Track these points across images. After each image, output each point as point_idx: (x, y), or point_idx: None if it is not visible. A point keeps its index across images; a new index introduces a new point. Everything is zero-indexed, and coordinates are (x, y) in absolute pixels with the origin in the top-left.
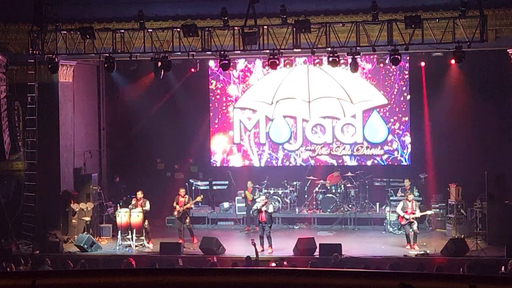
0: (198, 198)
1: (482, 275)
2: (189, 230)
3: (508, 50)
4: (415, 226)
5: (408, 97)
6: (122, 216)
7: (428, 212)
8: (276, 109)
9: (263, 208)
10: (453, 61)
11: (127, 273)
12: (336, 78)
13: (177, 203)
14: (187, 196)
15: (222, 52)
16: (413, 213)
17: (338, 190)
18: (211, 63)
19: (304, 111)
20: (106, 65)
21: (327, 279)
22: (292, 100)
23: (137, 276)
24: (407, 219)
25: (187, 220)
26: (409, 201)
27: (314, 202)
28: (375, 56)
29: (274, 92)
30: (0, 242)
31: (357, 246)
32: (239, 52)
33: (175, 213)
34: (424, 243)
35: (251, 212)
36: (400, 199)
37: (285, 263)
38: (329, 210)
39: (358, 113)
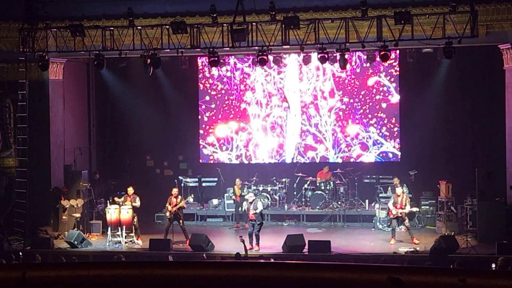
0: (189, 198)
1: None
2: (183, 232)
3: (499, 46)
4: (406, 222)
5: (398, 93)
6: (112, 212)
7: (413, 209)
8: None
9: (251, 208)
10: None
11: (116, 265)
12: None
13: (170, 204)
14: (179, 196)
15: (211, 49)
16: (402, 208)
17: (327, 187)
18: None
19: (295, 106)
20: (96, 62)
21: (316, 272)
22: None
23: (126, 268)
24: (394, 214)
25: (181, 221)
26: (398, 196)
27: (303, 199)
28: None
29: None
30: None
31: (346, 243)
32: (228, 49)
33: (167, 214)
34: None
35: (239, 209)
36: (390, 196)
37: (271, 260)
38: (318, 207)
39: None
